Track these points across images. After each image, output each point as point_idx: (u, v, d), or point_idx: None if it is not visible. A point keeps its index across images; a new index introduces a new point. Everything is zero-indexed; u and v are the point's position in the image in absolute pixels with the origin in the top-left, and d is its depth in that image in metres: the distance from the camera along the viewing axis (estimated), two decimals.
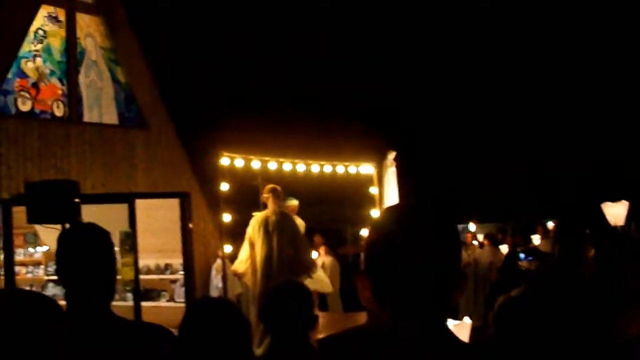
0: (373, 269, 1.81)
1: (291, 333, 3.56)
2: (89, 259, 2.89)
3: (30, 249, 14.23)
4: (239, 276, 10.40)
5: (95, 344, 2.75)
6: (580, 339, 3.70)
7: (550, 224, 17.94)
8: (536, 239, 16.37)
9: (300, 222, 10.89)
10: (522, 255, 7.30)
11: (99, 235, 2.99)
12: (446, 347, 1.76)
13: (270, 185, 10.13)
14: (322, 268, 14.70)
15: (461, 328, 6.79)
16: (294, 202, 11.19)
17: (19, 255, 13.64)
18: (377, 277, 1.80)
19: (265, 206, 10.07)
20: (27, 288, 13.70)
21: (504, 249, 15.25)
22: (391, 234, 1.79)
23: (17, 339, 1.78)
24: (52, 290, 12.05)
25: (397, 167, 12.15)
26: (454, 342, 1.79)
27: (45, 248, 13.27)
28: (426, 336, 1.75)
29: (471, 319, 7.40)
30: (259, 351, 7.04)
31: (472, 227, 17.32)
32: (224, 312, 2.80)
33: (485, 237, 15.50)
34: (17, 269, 12.73)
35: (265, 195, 9.95)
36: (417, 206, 1.89)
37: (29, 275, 14.20)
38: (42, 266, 14.07)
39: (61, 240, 2.98)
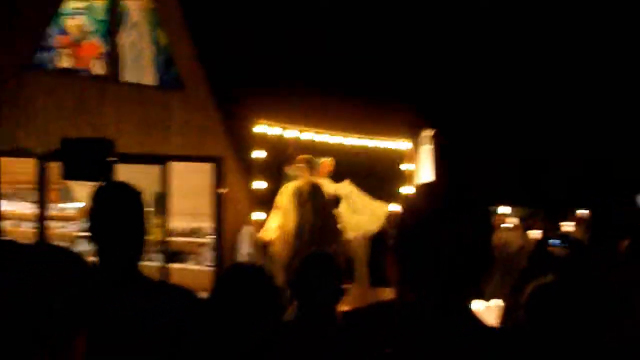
0: (401, 247, 1.79)
1: (317, 304, 3.55)
2: (120, 217, 2.90)
3: (64, 205, 14.40)
4: (266, 244, 10.43)
5: (120, 302, 2.76)
6: (613, 329, 3.66)
7: (582, 211, 17.76)
8: (568, 226, 16.23)
9: (341, 186, 10.87)
10: (553, 241, 7.22)
11: (132, 194, 3.00)
12: (469, 329, 1.74)
13: (303, 155, 10.14)
14: (350, 241, 14.73)
15: (492, 310, 6.76)
16: (328, 160, 11.13)
17: (53, 210, 13.81)
18: (405, 255, 1.77)
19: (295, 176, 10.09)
20: (57, 244, 13.90)
21: (534, 233, 15.12)
22: (421, 213, 1.77)
23: (42, 293, 1.78)
24: (82, 246, 12.18)
25: (433, 145, 12.09)
26: (478, 324, 1.76)
27: (79, 204, 13.42)
28: (449, 317, 1.72)
29: (500, 301, 7.36)
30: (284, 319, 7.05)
31: (502, 209, 17.20)
32: (257, 278, 2.80)
33: (517, 220, 15.37)
34: (49, 223, 12.89)
35: (299, 165, 9.96)
36: (449, 187, 1.86)
37: (61, 230, 14.38)
38: (74, 222, 14.24)
39: (94, 197, 2.99)
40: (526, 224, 15.37)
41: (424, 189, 1.87)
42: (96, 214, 2.95)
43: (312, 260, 3.69)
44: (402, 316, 1.80)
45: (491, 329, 1.83)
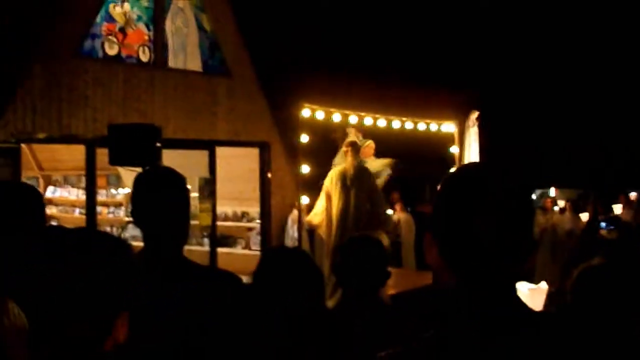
0: (440, 228, 1.76)
1: (361, 288, 3.54)
2: (163, 202, 2.91)
3: (113, 190, 14.62)
4: (313, 227, 10.45)
5: (165, 287, 2.78)
6: None
7: (634, 194, 17.48)
8: (618, 209, 15.99)
9: (382, 162, 10.85)
10: (603, 224, 7.11)
11: (175, 179, 3.00)
12: (512, 314, 1.70)
13: (349, 139, 10.11)
14: (397, 225, 14.70)
15: (537, 293, 6.69)
16: (370, 142, 11.13)
17: (102, 196, 14.03)
18: (444, 237, 1.74)
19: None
20: (107, 229, 14.10)
21: (585, 216, 14.94)
22: (459, 194, 1.73)
23: (86, 278, 1.79)
24: (132, 231, 12.35)
25: (479, 127, 11.97)
26: (522, 308, 1.73)
27: (127, 190, 13.59)
28: (491, 301, 1.69)
29: (547, 284, 7.27)
30: (330, 303, 7.07)
31: (552, 192, 17.00)
32: (298, 261, 2.80)
33: (567, 203, 15.18)
34: (99, 209, 13.09)
35: (345, 149, 9.94)
36: (489, 168, 1.82)
37: (111, 216, 14.63)
38: (123, 207, 14.44)
39: (137, 182, 3.01)
40: (577, 206, 15.17)
41: (461, 171, 1.82)
42: (139, 199, 2.96)
43: (355, 244, 3.68)
44: (442, 301, 1.77)
45: (535, 313, 1.79)
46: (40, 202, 3.02)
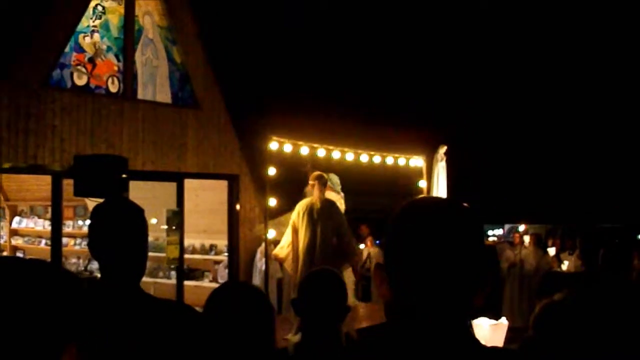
0: (390, 263, 1.75)
1: (320, 322, 3.52)
2: (118, 234, 2.87)
3: (80, 222, 14.48)
4: (279, 261, 10.40)
5: (118, 318, 2.74)
6: (623, 347, 3.60)
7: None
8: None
9: (335, 197, 10.78)
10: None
11: (132, 210, 2.97)
12: (462, 349, 1.69)
13: (316, 173, 10.10)
14: (367, 259, 14.70)
15: (498, 328, 6.70)
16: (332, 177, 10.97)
17: (68, 227, 13.90)
18: (394, 272, 1.73)
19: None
20: (74, 260, 13.96)
21: (552, 251, 15.03)
22: (410, 228, 1.73)
23: (26, 310, 1.76)
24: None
25: (447, 161, 12.05)
26: (472, 344, 1.72)
27: None
28: (440, 336, 1.68)
29: (514, 320, 7.30)
30: (295, 339, 7.00)
31: (521, 227, 17.11)
32: (246, 296, 2.77)
33: (531, 237, 15.25)
34: (65, 240, 12.96)
35: (311, 182, 9.92)
36: (437, 203, 1.82)
37: (77, 248, 14.46)
38: None
39: (93, 214, 2.97)
40: (540, 240, 15.25)
41: (413, 205, 1.81)
42: (95, 230, 2.93)
43: (314, 278, 3.65)
44: (395, 339, 1.76)
45: (491, 350, 1.78)
46: None
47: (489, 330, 6.53)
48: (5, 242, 15.03)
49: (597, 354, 3.38)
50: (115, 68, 11.42)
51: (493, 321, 6.74)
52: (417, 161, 12.26)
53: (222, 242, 13.34)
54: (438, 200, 1.89)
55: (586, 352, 3.35)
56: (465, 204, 1.77)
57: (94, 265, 12.85)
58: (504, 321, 6.92)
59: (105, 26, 11.30)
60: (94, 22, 11.11)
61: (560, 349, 3.39)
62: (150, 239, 3.07)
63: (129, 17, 11.64)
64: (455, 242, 1.68)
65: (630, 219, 19.13)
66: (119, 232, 2.88)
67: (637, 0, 21.80)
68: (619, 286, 5.11)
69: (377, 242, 15.39)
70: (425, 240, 1.67)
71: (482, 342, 1.75)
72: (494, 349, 1.79)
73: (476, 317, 6.43)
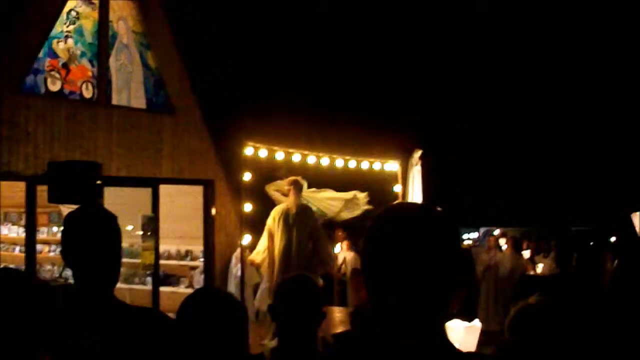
0: (368, 267, 1.77)
1: (296, 328, 3.52)
2: (91, 241, 2.86)
3: (54, 228, 14.35)
4: (256, 266, 10.39)
5: (91, 327, 2.73)
6: (598, 349, 3.63)
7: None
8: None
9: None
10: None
11: (105, 217, 2.96)
12: (436, 352, 1.71)
13: (291, 178, 10.10)
14: (342, 264, 14.69)
15: (471, 331, 6.73)
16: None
17: (42, 234, 13.77)
18: (371, 276, 1.75)
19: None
20: (48, 267, 13.84)
21: (527, 254, 15.11)
22: (387, 232, 1.75)
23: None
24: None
25: (422, 166, 12.09)
26: (447, 348, 1.73)
27: None
28: (416, 340, 1.70)
29: (489, 323, 7.34)
30: (271, 344, 7.01)
31: (496, 231, 17.19)
32: (218, 302, 2.77)
33: (508, 241, 15.33)
34: (39, 247, 12.83)
35: (287, 187, 9.92)
36: (416, 208, 1.84)
37: (52, 254, 14.33)
38: None
39: (66, 221, 2.96)
40: (518, 244, 15.33)
41: (389, 210, 1.82)
42: (68, 238, 2.91)
43: (289, 284, 3.66)
44: (371, 339, 1.77)
45: (466, 355, 1.79)
46: None
47: (463, 333, 6.57)
48: None
49: (572, 357, 3.41)
50: (90, 73, 11.36)
51: (467, 323, 6.79)
52: (393, 166, 12.29)
53: (198, 248, 13.29)
54: (414, 205, 1.91)
55: (561, 355, 3.37)
56: (439, 209, 1.80)
57: (69, 272, 12.70)
58: (477, 323, 6.96)
59: (79, 31, 11.24)
60: (67, 27, 11.06)
61: (536, 353, 3.41)
62: (125, 245, 3.06)
63: (103, 23, 11.59)
64: (431, 246, 1.70)
65: (603, 221, 19.29)
66: (91, 239, 2.86)
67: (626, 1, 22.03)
68: (593, 288, 5.15)
69: (353, 247, 15.41)
70: (401, 244, 1.69)
71: (456, 344, 1.77)
72: (468, 353, 1.80)
73: (450, 319, 6.47)
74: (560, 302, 3.87)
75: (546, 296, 4.11)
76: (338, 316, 11.89)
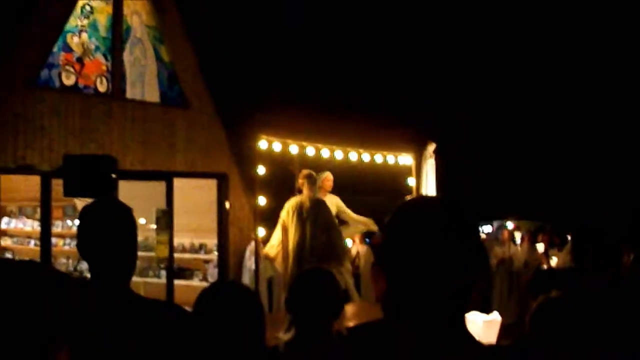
0: (387, 261, 1.76)
1: (314, 321, 3.52)
2: (107, 235, 2.87)
3: (69, 222, 14.41)
4: (270, 260, 10.39)
5: (108, 319, 2.73)
6: (618, 345, 3.61)
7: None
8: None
9: (334, 200, 10.74)
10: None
11: (121, 211, 2.96)
12: (459, 346, 1.70)
13: (305, 171, 10.08)
14: (356, 257, 14.69)
15: (491, 324, 6.70)
16: (327, 174, 10.82)
17: (57, 227, 13.83)
18: (390, 270, 1.75)
19: (300, 191, 10.04)
20: (63, 260, 13.90)
21: (541, 247, 15.04)
22: (403, 226, 1.74)
23: (18, 310, 1.76)
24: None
25: (436, 159, 12.04)
26: (469, 341, 1.73)
27: None
28: (437, 333, 1.69)
29: (503, 316, 7.30)
30: (285, 337, 7.00)
31: (509, 224, 17.11)
32: (235, 295, 2.77)
33: (524, 235, 15.27)
34: (54, 241, 12.89)
35: (301, 181, 9.91)
36: (435, 201, 1.84)
37: (67, 248, 14.39)
38: None
39: (82, 215, 2.96)
40: (534, 238, 15.28)
41: (409, 203, 1.82)
42: (84, 231, 2.92)
43: (306, 278, 3.65)
44: (391, 335, 1.77)
45: (488, 348, 1.79)
46: None
47: (483, 326, 6.54)
48: None
49: (595, 352, 3.39)
50: (104, 68, 11.39)
51: (486, 317, 6.76)
52: (406, 159, 12.25)
53: (212, 241, 13.29)
54: (433, 198, 1.91)
55: (584, 350, 3.35)
56: (461, 204, 1.79)
57: (84, 265, 12.79)
58: (497, 317, 6.92)
59: (94, 26, 11.27)
60: (82, 21, 11.09)
61: (558, 347, 3.39)
62: (139, 238, 3.06)
63: (117, 17, 11.61)
64: (454, 239, 1.70)
65: (618, 214, 19.21)
66: (107, 232, 2.87)
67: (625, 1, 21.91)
68: (612, 283, 5.12)
69: (367, 240, 15.40)
70: (422, 237, 1.69)
71: (476, 338, 1.76)
72: (489, 346, 1.80)
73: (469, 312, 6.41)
74: (583, 296, 3.86)
75: (569, 290, 4.09)
76: (352, 309, 11.88)
